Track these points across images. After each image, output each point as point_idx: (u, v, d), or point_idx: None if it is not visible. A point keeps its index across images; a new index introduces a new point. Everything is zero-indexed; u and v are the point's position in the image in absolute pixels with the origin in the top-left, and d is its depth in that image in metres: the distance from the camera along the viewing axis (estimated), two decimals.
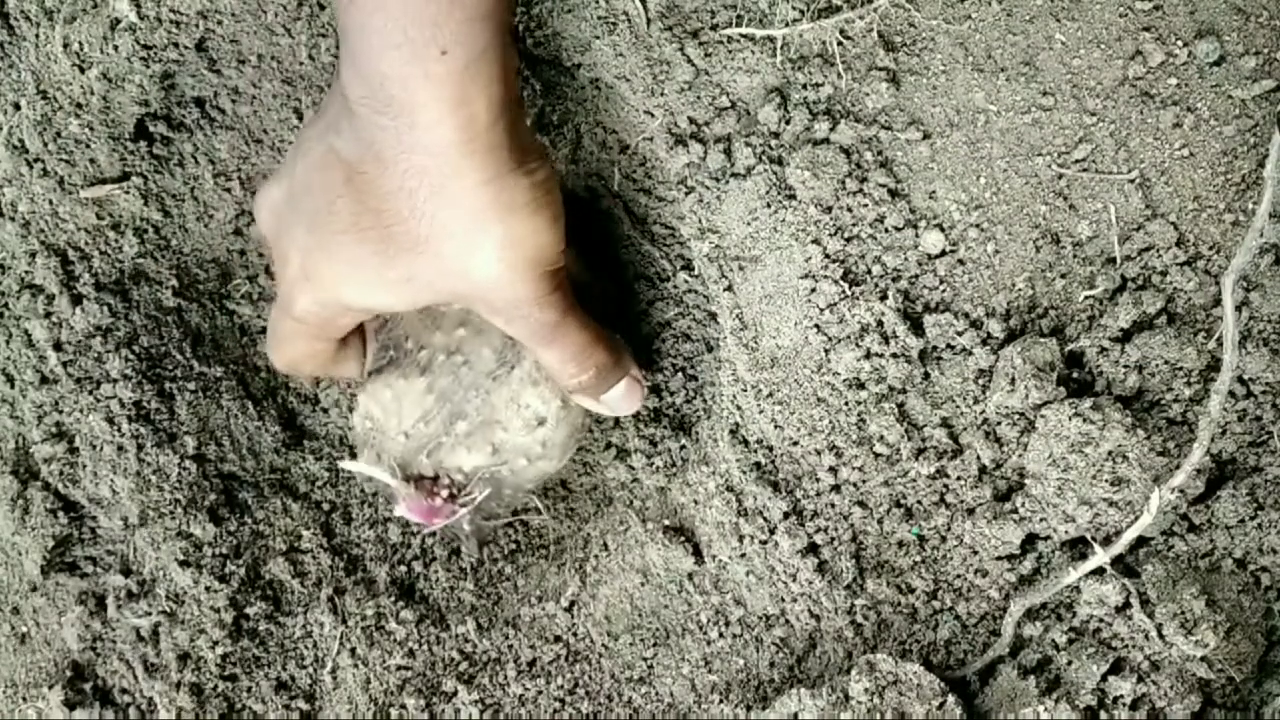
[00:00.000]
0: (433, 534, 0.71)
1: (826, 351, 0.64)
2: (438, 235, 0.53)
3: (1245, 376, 0.62)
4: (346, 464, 0.62)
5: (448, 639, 0.68)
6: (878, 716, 0.59)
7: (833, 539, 0.65)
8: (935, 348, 0.64)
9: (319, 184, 0.55)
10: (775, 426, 0.66)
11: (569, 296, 0.58)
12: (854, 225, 0.64)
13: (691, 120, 0.65)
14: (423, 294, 0.56)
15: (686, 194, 0.66)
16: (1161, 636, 0.59)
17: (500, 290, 0.55)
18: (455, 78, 0.50)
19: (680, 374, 0.71)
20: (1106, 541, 0.60)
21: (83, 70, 0.66)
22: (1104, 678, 0.59)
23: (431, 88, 0.50)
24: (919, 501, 0.64)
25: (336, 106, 0.54)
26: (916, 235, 0.64)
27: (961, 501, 0.64)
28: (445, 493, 0.61)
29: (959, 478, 0.63)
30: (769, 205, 0.64)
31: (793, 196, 0.64)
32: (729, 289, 0.66)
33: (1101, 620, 0.61)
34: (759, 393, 0.66)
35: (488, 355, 0.61)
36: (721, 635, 0.67)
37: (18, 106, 0.67)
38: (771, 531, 0.65)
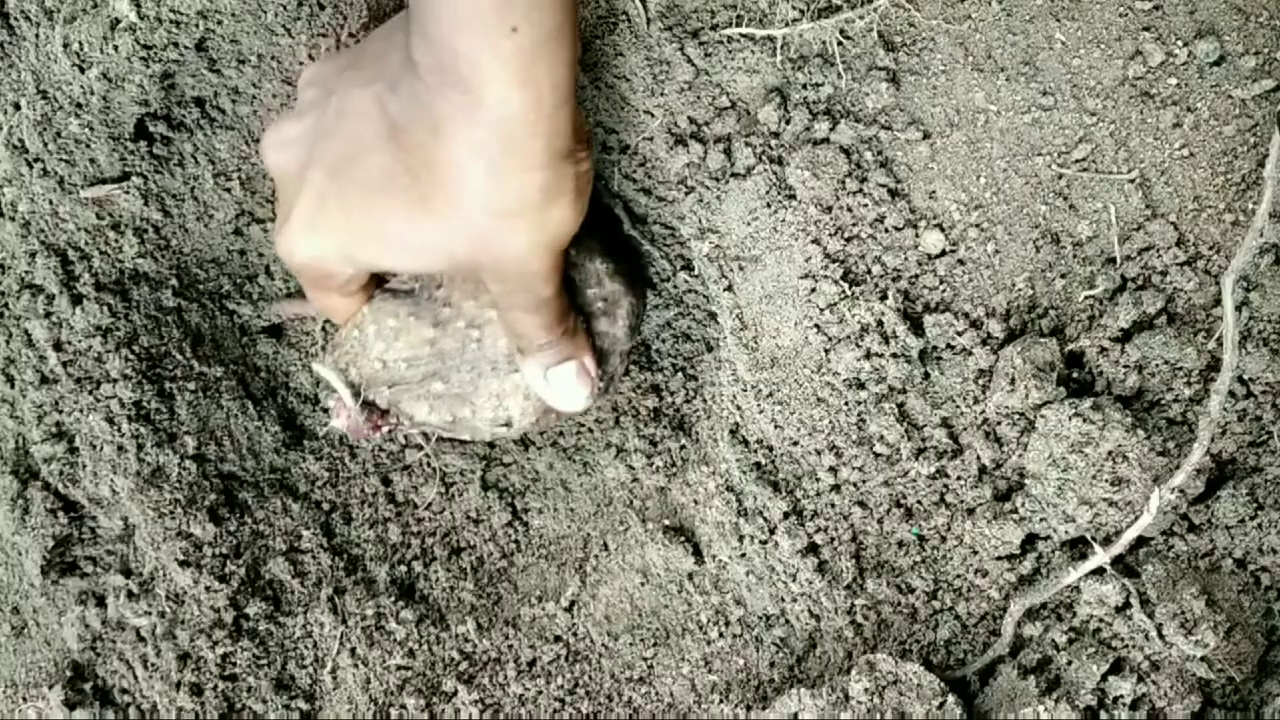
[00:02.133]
0: (433, 534, 0.71)
1: (826, 351, 0.64)
2: (479, 211, 0.54)
3: (1245, 376, 0.62)
4: (317, 365, 0.64)
5: (448, 639, 0.68)
6: (878, 716, 0.59)
7: (833, 539, 0.65)
8: (935, 348, 0.64)
9: (355, 133, 0.55)
10: (775, 426, 0.66)
11: (562, 270, 0.59)
12: (854, 225, 0.64)
13: (691, 120, 0.65)
14: (438, 261, 0.57)
15: (686, 194, 0.66)
16: (1161, 636, 0.59)
17: (520, 264, 0.56)
18: (524, 57, 0.50)
19: (680, 374, 0.72)
20: (1106, 541, 0.60)
21: (83, 70, 0.66)
22: (1104, 678, 0.59)
23: (499, 66, 0.50)
24: (919, 501, 0.64)
25: (396, 65, 0.54)
26: (916, 235, 0.64)
27: (961, 501, 0.63)
28: (386, 429, 0.63)
29: (959, 478, 0.63)
30: (769, 205, 0.64)
31: (793, 196, 0.64)
32: (729, 289, 0.66)
33: (1101, 620, 0.61)
34: (759, 393, 0.66)
35: (502, 347, 0.62)
36: (721, 635, 0.67)
37: (18, 106, 0.67)
38: (771, 531, 0.65)
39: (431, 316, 0.62)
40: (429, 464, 0.72)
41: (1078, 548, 0.62)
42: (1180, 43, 0.62)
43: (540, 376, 0.61)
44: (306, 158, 0.57)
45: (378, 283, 0.65)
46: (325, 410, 0.71)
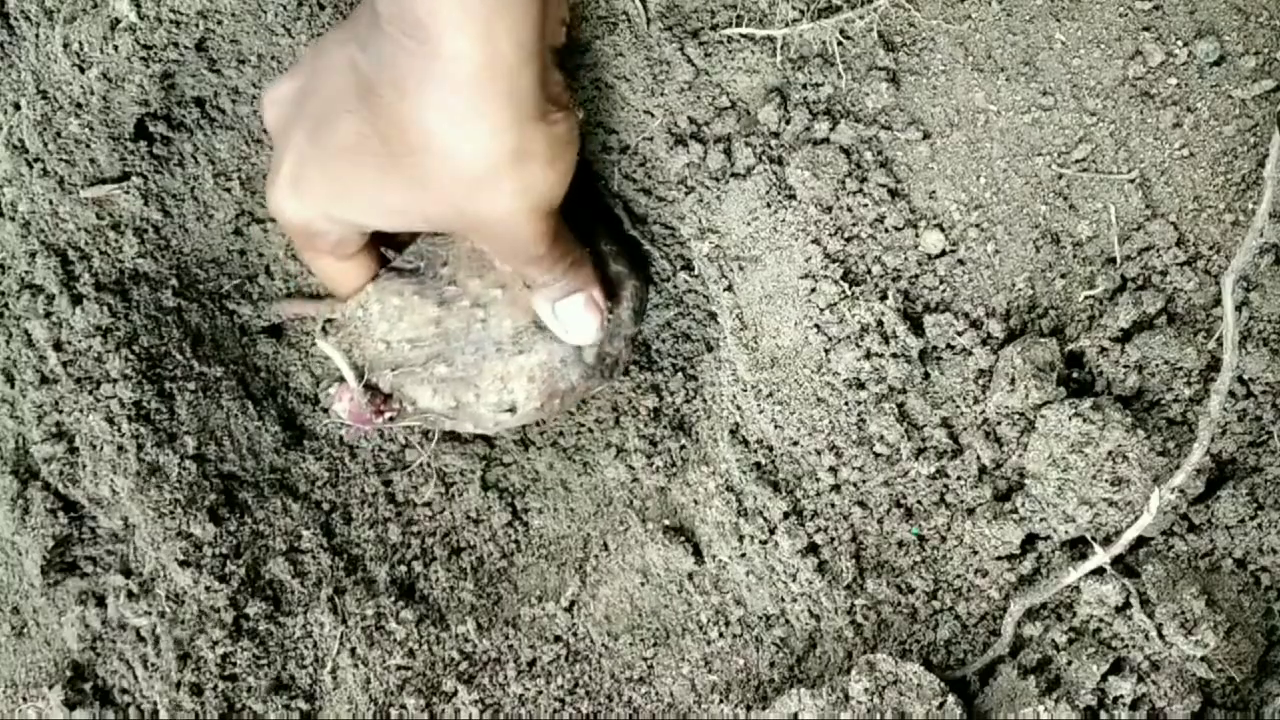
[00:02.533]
0: (433, 534, 0.71)
1: (826, 351, 0.64)
2: (447, 174, 0.53)
3: (1245, 376, 0.62)
4: (321, 343, 0.63)
5: (448, 639, 0.68)
6: (878, 716, 0.59)
7: (833, 539, 0.65)
8: (935, 348, 0.64)
9: (330, 92, 0.55)
10: (775, 426, 0.66)
11: (558, 223, 0.58)
12: (854, 225, 0.64)
13: (691, 120, 0.65)
14: (415, 223, 0.57)
15: (686, 194, 0.66)
16: (1161, 636, 0.59)
17: (503, 229, 0.56)
18: (484, 8, 0.49)
19: (680, 374, 0.72)
20: (1106, 541, 0.60)
21: (83, 70, 0.66)
22: (1104, 678, 0.59)
23: (459, 17, 0.49)
24: (919, 501, 0.64)
25: (366, 20, 0.53)
26: (916, 235, 0.64)
27: (961, 501, 0.63)
28: (388, 415, 0.62)
29: (959, 478, 0.63)
30: (769, 205, 0.64)
31: (793, 196, 0.64)
32: (729, 289, 0.66)
33: (1101, 620, 0.61)
34: (759, 393, 0.66)
35: (507, 327, 0.61)
36: (721, 635, 0.67)
37: (18, 106, 0.67)
38: (771, 531, 0.65)
39: (436, 295, 0.62)
40: (429, 464, 0.72)
41: (1078, 548, 0.62)
42: (1180, 43, 0.62)
43: (549, 311, 0.61)
44: (293, 117, 0.57)
45: (381, 261, 0.64)
46: (325, 402, 0.71)
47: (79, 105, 0.67)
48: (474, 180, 0.53)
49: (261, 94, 0.60)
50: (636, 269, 0.67)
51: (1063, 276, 0.64)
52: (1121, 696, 0.59)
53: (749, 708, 0.65)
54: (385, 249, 0.67)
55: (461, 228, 0.57)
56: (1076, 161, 0.63)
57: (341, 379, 0.63)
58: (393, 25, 0.51)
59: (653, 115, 0.66)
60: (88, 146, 0.67)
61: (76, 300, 0.67)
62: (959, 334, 0.63)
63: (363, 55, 0.53)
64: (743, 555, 0.66)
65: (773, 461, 0.66)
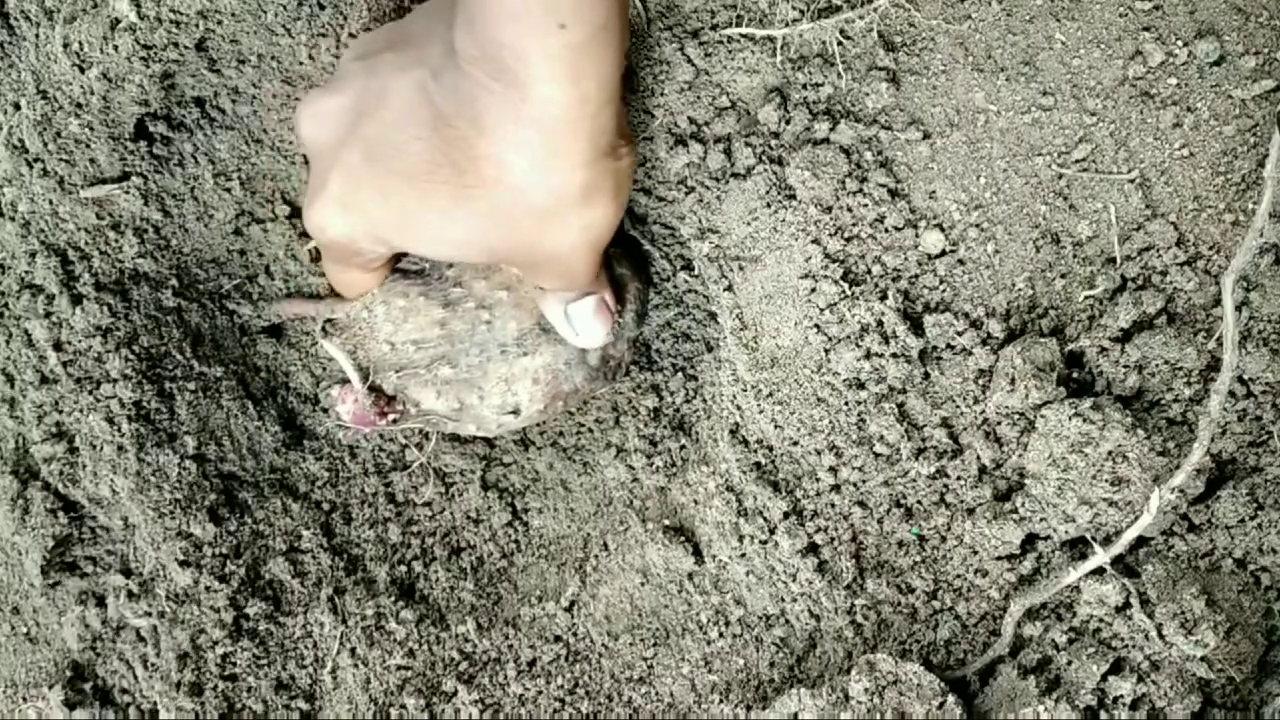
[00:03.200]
0: (433, 534, 0.71)
1: (826, 351, 0.64)
2: (520, 207, 0.53)
3: (1245, 376, 0.62)
4: (326, 344, 0.63)
5: (448, 639, 0.68)
6: (878, 716, 0.59)
7: (833, 539, 0.65)
8: (935, 348, 0.64)
9: (398, 119, 0.55)
10: (775, 426, 0.66)
11: (602, 266, 0.59)
12: (854, 225, 0.64)
13: (691, 120, 0.65)
14: (476, 254, 0.57)
15: (686, 194, 0.66)
16: (1161, 636, 0.59)
17: (563, 265, 0.56)
18: (572, 54, 0.49)
19: (680, 374, 0.71)
20: (1106, 541, 0.60)
21: (83, 70, 0.66)
22: (1104, 678, 0.59)
23: (547, 61, 0.49)
24: (919, 501, 0.64)
25: (439, 52, 0.54)
26: (916, 235, 0.64)
27: (961, 501, 0.63)
28: (391, 417, 0.62)
29: (959, 478, 0.63)
30: (769, 205, 0.64)
31: (793, 196, 0.64)
32: (729, 289, 0.66)
33: (1101, 620, 0.61)
34: (759, 393, 0.66)
35: (512, 329, 0.62)
36: (721, 635, 0.67)
37: (18, 106, 0.67)
38: (771, 531, 0.65)
39: (442, 297, 0.62)
40: (429, 464, 0.72)
41: (1078, 548, 0.62)
42: (1180, 43, 0.62)
43: (560, 313, 0.61)
44: (343, 134, 0.57)
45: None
46: (326, 403, 0.71)
47: (79, 105, 0.67)
48: (543, 212, 0.54)
49: (299, 107, 0.60)
50: (639, 271, 0.67)
51: (1063, 276, 0.64)
52: (1121, 696, 0.59)
53: (749, 708, 0.65)
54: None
55: (520, 261, 0.57)
56: (1076, 161, 0.63)
57: (343, 380, 0.63)
58: (474, 67, 0.51)
59: (653, 115, 0.66)
60: (88, 146, 0.67)
61: (76, 300, 0.67)
62: (959, 334, 0.63)
63: (435, 85, 0.54)
64: (743, 555, 0.66)
65: (773, 461, 0.66)
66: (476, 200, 0.54)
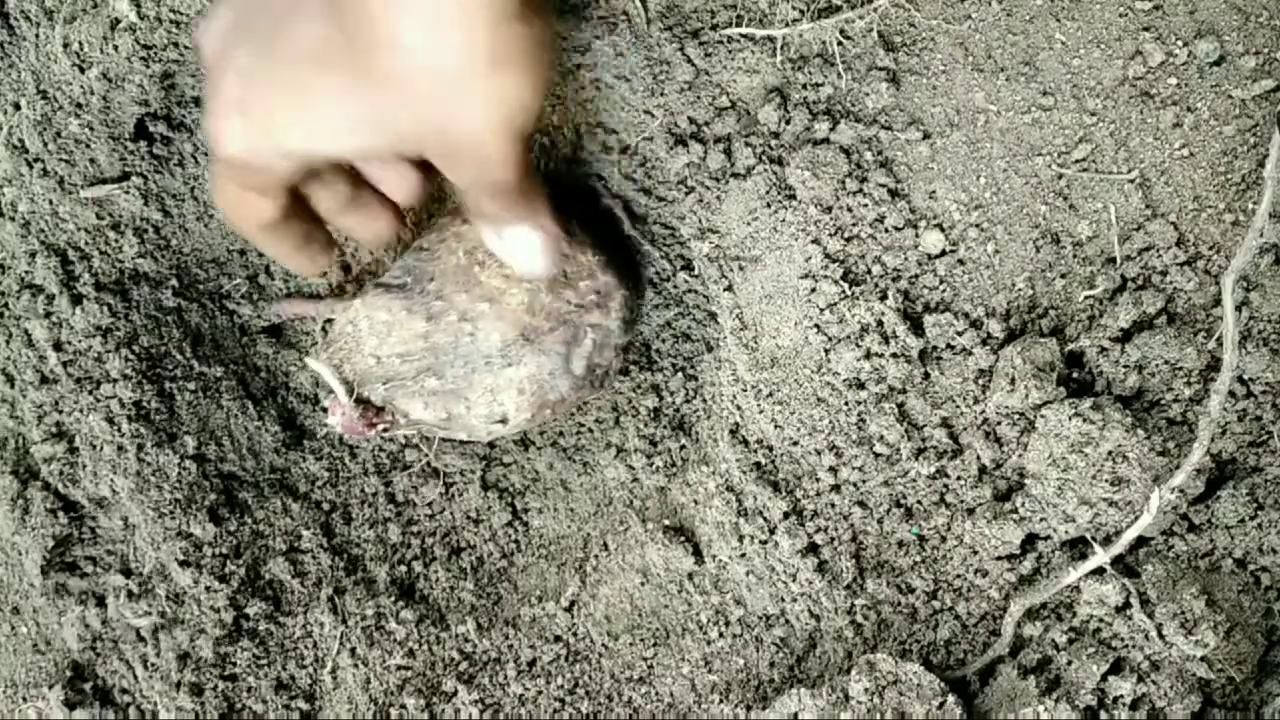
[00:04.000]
0: (433, 534, 0.71)
1: (826, 351, 0.64)
2: (422, 73, 0.49)
3: (1245, 376, 0.62)
4: (311, 361, 0.63)
5: (448, 639, 0.68)
6: (878, 716, 0.59)
7: (833, 539, 0.65)
8: (935, 348, 0.64)
9: (287, 5, 0.51)
10: (775, 426, 0.66)
11: (529, 158, 0.55)
12: (854, 225, 0.64)
13: (691, 120, 0.65)
14: (381, 138, 0.52)
15: (686, 194, 0.66)
16: (1161, 636, 0.59)
17: (474, 145, 0.52)
18: None
19: (680, 374, 0.72)
20: (1106, 541, 0.60)
21: (83, 70, 0.66)
22: (1104, 678, 0.59)
23: None
24: (919, 501, 0.64)
25: None
26: (916, 235, 0.64)
27: (961, 501, 0.63)
28: (381, 426, 0.62)
29: (959, 478, 0.63)
30: (769, 205, 0.64)
31: (793, 196, 0.64)
32: (729, 289, 0.66)
33: (1101, 620, 0.61)
34: (759, 393, 0.66)
35: (495, 341, 0.62)
36: (721, 635, 0.67)
37: (18, 106, 0.67)
38: (771, 531, 0.65)
39: (424, 310, 0.62)
40: (429, 464, 0.72)
41: (1078, 548, 0.62)
42: (1180, 43, 0.62)
43: (495, 236, 0.58)
44: (234, 38, 0.53)
45: (340, 249, 0.62)
46: (324, 410, 0.71)
47: (79, 105, 0.67)
48: (444, 77, 0.50)
49: (195, 34, 0.56)
50: (627, 278, 0.67)
51: (1063, 276, 0.64)
52: (1121, 696, 0.59)
53: (749, 708, 0.65)
54: (375, 265, 0.67)
55: (432, 147, 0.53)
56: (1076, 161, 0.63)
57: (333, 391, 0.63)
58: None
59: (653, 115, 0.66)
60: (88, 146, 0.67)
61: (76, 300, 0.67)
62: (959, 334, 0.63)
63: None
64: (743, 555, 0.66)
65: (773, 461, 0.66)
66: (375, 70, 0.50)
